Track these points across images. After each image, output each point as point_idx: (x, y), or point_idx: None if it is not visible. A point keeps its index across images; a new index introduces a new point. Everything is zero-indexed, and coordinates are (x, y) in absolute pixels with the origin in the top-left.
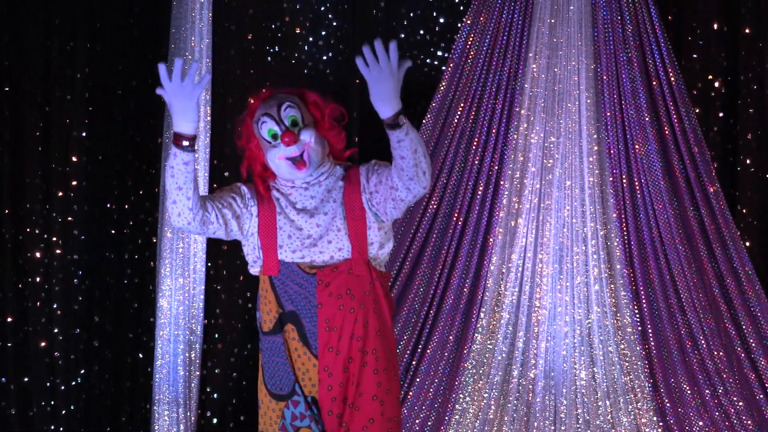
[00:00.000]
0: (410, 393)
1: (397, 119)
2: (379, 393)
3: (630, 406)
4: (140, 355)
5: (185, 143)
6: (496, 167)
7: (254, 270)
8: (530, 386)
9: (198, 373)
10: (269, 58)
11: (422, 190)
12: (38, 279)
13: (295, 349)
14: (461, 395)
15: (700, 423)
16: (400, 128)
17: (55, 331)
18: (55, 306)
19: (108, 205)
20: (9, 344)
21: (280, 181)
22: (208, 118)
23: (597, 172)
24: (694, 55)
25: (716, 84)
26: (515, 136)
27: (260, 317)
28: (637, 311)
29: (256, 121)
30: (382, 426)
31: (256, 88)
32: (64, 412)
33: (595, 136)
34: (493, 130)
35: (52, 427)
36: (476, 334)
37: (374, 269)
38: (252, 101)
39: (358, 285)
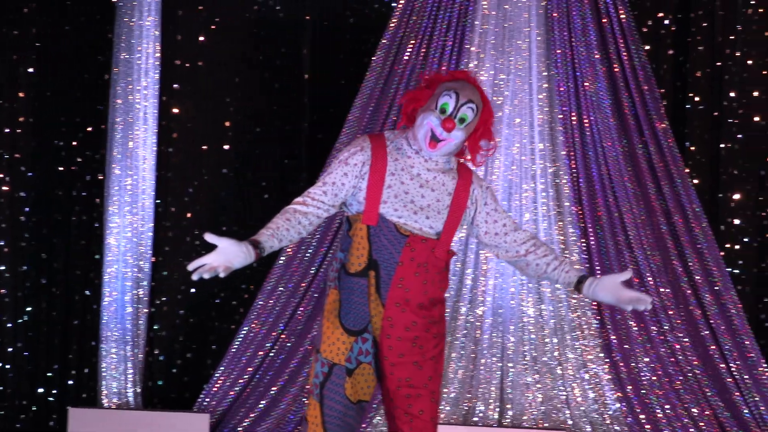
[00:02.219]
0: None
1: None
2: (435, 354)
3: (577, 343)
4: (88, 293)
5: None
6: None
7: (351, 211)
8: (478, 323)
9: (146, 310)
10: None
11: None
12: None
13: (371, 294)
14: None
15: (646, 359)
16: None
17: (2, 267)
18: (2, 243)
19: (56, 142)
20: None
21: (412, 139)
22: (158, 54)
23: (546, 109)
24: None
25: (666, 21)
26: None
27: (347, 259)
28: (585, 248)
29: (444, 84)
30: (437, 382)
31: (205, 24)
32: (11, 349)
33: (545, 74)
34: (443, 67)
35: (0, 365)
36: None
37: (450, 254)
38: (454, 72)
39: (435, 264)
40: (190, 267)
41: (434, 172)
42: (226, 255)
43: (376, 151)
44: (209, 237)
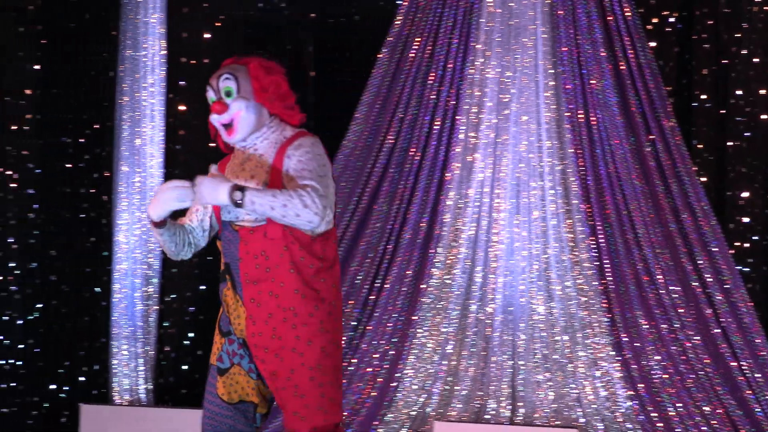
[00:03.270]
0: (369, 327)
1: (235, 201)
2: (298, 346)
3: (587, 341)
4: (97, 290)
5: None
6: (453, 102)
7: None
8: (488, 321)
9: (156, 307)
10: None
11: (309, 224)
12: None
13: (230, 296)
14: (419, 330)
15: (657, 357)
16: (243, 206)
17: (12, 265)
18: (11, 240)
19: (63, 139)
20: None
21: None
22: (163, 52)
23: (553, 107)
24: None
25: (671, 19)
26: (471, 71)
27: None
28: (594, 246)
29: (206, 89)
30: (302, 375)
31: (210, 22)
32: (22, 346)
33: (551, 72)
34: (450, 65)
35: (11, 361)
36: (434, 269)
37: (293, 232)
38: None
39: (272, 247)
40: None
41: (255, 161)
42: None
43: (219, 169)
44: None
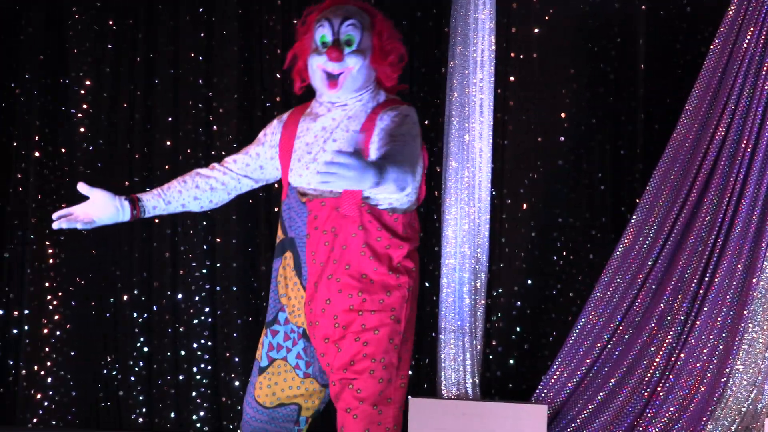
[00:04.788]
0: (697, 322)
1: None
2: (362, 335)
3: None
4: (426, 284)
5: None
6: None
7: None
8: None
9: (483, 301)
10: None
11: (402, 191)
12: None
13: (289, 278)
14: (750, 325)
15: None
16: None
17: None
18: None
19: None
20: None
21: (318, 94)
22: (493, 47)
23: None
24: None
25: None
26: None
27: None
28: None
29: (317, 20)
30: (363, 366)
31: (539, 16)
32: None
33: None
34: None
35: None
36: (765, 263)
37: (372, 210)
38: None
39: (344, 225)
40: (55, 216)
41: (338, 120)
42: (94, 207)
43: (291, 119)
44: (81, 187)
